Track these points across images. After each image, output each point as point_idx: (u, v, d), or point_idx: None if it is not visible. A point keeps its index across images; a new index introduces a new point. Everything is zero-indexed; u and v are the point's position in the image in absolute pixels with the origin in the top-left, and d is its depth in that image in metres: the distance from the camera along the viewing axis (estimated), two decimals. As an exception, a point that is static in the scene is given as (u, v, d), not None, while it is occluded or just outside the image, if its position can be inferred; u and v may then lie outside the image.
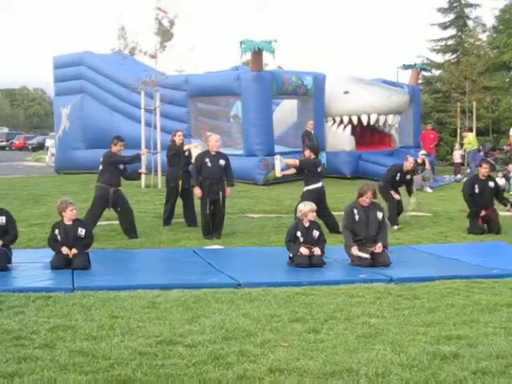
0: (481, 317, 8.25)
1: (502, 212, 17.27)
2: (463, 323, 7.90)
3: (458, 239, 15.82)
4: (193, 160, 16.07)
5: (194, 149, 16.68)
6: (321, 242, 12.30)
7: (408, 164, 17.70)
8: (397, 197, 17.13)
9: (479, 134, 38.67)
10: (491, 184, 17.01)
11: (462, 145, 32.16)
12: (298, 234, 12.22)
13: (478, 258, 13.06)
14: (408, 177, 17.70)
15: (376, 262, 11.97)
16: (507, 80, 51.55)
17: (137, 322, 7.94)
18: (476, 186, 16.80)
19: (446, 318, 8.18)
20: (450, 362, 6.24)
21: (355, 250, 12.05)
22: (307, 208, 12.48)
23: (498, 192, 17.17)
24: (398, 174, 17.53)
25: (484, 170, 17.03)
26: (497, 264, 12.19)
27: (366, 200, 12.48)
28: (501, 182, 25.45)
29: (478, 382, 5.63)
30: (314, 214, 12.62)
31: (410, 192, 17.86)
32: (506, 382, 5.63)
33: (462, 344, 6.88)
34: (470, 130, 31.79)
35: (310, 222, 12.38)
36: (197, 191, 15.34)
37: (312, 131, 25.59)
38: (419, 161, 24.92)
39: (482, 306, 8.85)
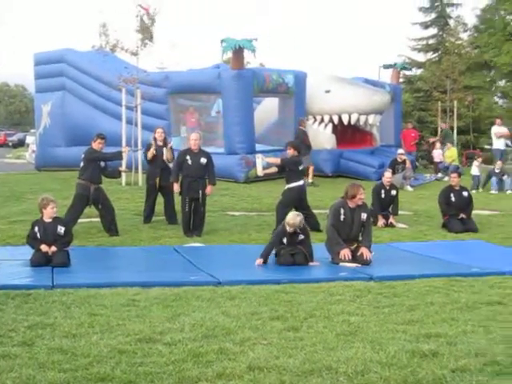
0: (460, 315, 8.29)
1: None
2: (442, 321, 7.93)
3: (437, 237, 15.89)
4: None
5: (165, 150, 16.62)
6: (306, 243, 12.26)
7: (385, 179, 17.84)
8: (380, 224, 17.16)
9: (460, 132, 38.78)
10: (465, 193, 17.50)
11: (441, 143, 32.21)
12: (284, 239, 12.19)
13: (458, 256, 13.13)
14: (393, 192, 17.71)
15: (356, 260, 12.02)
16: (488, 79, 51.77)
17: (116, 319, 7.92)
18: (452, 195, 17.15)
19: (425, 316, 8.21)
20: (429, 359, 6.26)
21: (345, 256, 12.07)
22: (293, 220, 12.31)
23: (471, 202, 17.44)
24: (382, 191, 17.61)
25: (454, 180, 17.50)
26: (476, 262, 12.26)
27: (357, 201, 12.48)
28: (476, 170, 25.66)
29: (456, 379, 5.65)
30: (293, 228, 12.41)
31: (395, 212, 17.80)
32: (485, 379, 5.66)
33: (442, 342, 6.90)
34: (451, 142, 31.88)
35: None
36: (175, 188, 15.35)
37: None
38: (399, 160, 25.09)
39: (462, 305, 8.89)
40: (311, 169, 25.31)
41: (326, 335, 7.31)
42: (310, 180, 24.69)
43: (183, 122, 28.54)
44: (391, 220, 17.36)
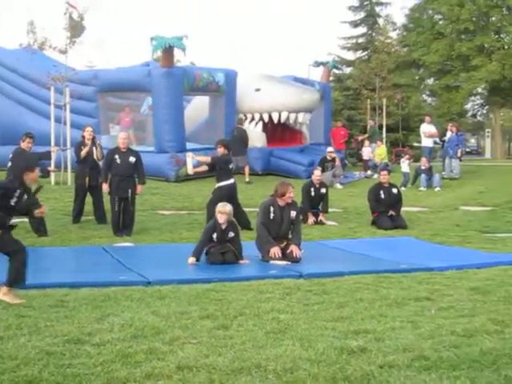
0: (389, 311, 8.36)
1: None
2: (371, 318, 7.99)
3: (367, 234, 16.05)
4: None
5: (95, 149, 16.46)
6: (236, 241, 12.28)
7: (315, 177, 17.97)
8: (310, 221, 17.26)
9: (389, 130, 39.22)
10: (395, 190, 17.78)
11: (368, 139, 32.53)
12: (214, 235, 12.19)
13: (387, 252, 13.27)
14: (323, 190, 17.84)
15: (286, 258, 12.06)
16: (417, 77, 52.53)
17: (44, 321, 7.79)
18: (381, 192, 17.37)
19: (354, 312, 8.26)
20: (357, 356, 6.30)
21: (275, 254, 12.11)
22: (222, 207, 12.42)
23: (401, 200, 17.67)
24: (312, 189, 17.73)
25: (384, 178, 17.80)
26: (405, 259, 12.41)
27: (286, 199, 12.52)
28: (406, 167, 25.98)
29: (384, 375, 5.69)
30: (225, 217, 12.45)
31: (324, 209, 17.92)
32: (412, 375, 5.71)
33: (370, 338, 6.95)
34: (381, 140, 32.20)
35: (228, 223, 12.33)
36: (104, 187, 15.25)
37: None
38: (329, 158, 25.28)
39: (390, 301, 8.96)
40: (247, 168, 25.40)
41: (256, 333, 7.30)
42: (246, 179, 24.79)
43: (117, 121, 28.33)
44: (321, 217, 17.49)
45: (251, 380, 5.76)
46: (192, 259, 11.89)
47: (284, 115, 27.96)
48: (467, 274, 11.20)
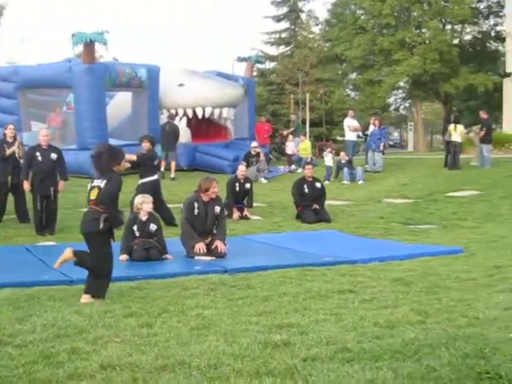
0: (312, 304, 8.41)
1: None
2: (295, 311, 8.02)
3: (291, 228, 16.15)
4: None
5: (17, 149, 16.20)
6: (159, 236, 12.24)
7: (239, 172, 18.01)
8: (235, 216, 17.28)
9: (313, 125, 39.47)
10: (318, 185, 17.97)
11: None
12: (135, 227, 12.14)
13: (311, 246, 13.37)
14: (247, 185, 17.86)
15: (211, 253, 12.06)
16: (340, 72, 52.98)
17: (-36, 323, 7.64)
18: (305, 187, 17.50)
19: (278, 306, 8.28)
20: (281, 350, 6.31)
21: (200, 250, 12.08)
22: (140, 200, 12.45)
23: (324, 193, 17.83)
24: (237, 184, 17.74)
25: (308, 172, 17.78)
26: (329, 252, 12.53)
27: (210, 195, 12.50)
28: (329, 161, 26.17)
29: (307, 368, 5.71)
30: (150, 205, 12.52)
31: (249, 204, 17.98)
32: (335, 367, 5.73)
33: (294, 332, 6.97)
34: (304, 134, 32.38)
35: (148, 215, 12.31)
36: (25, 185, 15.02)
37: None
38: (253, 153, 25.32)
39: (314, 294, 9.03)
40: (174, 163, 25.34)
41: (180, 330, 7.27)
42: (172, 175, 24.72)
43: (48, 121, 27.91)
44: (246, 212, 17.53)
45: (175, 377, 5.72)
46: (123, 256, 11.82)
47: (208, 110, 27.96)
48: (390, 265, 11.36)
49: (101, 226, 8.88)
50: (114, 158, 9.09)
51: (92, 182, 9.10)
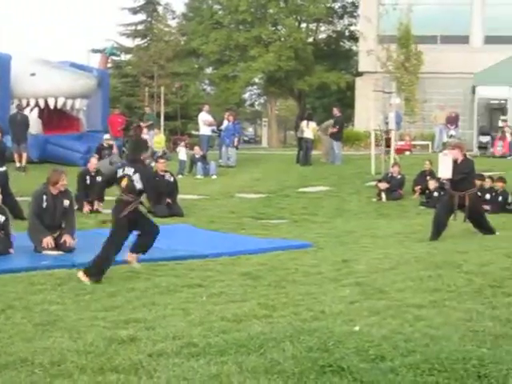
0: (160, 299, 8.39)
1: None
2: (143, 306, 7.99)
3: (144, 223, 15.99)
4: None
5: None
6: (6, 228, 11.91)
7: (91, 165, 17.80)
8: (86, 210, 17.03)
9: (168, 118, 39.32)
10: (170, 179, 18.19)
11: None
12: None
13: (163, 240, 13.18)
14: (98, 178, 17.57)
15: (59, 247, 11.84)
16: (196, 66, 52.99)
17: None
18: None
19: (126, 301, 8.23)
20: (126, 345, 6.25)
21: (48, 244, 11.81)
22: None
23: (177, 188, 17.94)
24: (88, 177, 17.49)
25: (160, 165, 17.87)
26: (181, 246, 12.54)
27: (59, 187, 12.22)
28: (183, 155, 26.20)
29: (152, 364, 5.68)
30: None
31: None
32: (181, 362, 5.73)
33: (140, 327, 6.92)
34: (159, 128, 32.21)
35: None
36: None
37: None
38: (106, 145, 25.05)
39: (163, 289, 9.01)
40: (25, 155, 24.81)
41: (25, 326, 7.12)
42: (22, 164, 24.22)
43: None
44: (97, 206, 17.27)
45: (17, 375, 5.58)
46: None
47: (61, 101, 27.49)
48: (240, 259, 11.46)
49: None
50: None
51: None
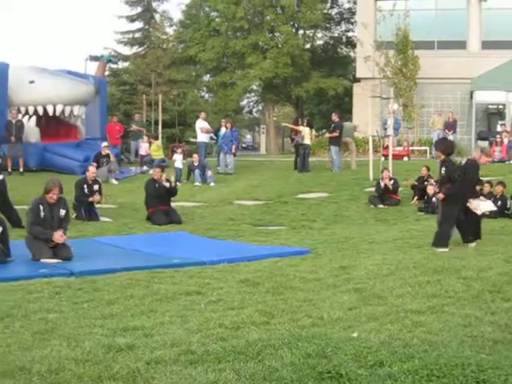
0: (159, 306, 8.36)
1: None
2: (141, 313, 7.96)
3: (142, 230, 16.04)
4: None
5: None
6: (3, 237, 11.89)
7: (90, 173, 17.80)
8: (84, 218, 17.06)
9: (165, 126, 39.28)
10: (167, 184, 17.79)
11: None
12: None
13: (161, 248, 13.32)
14: (96, 187, 17.60)
15: (57, 255, 11.81)
16: (194, 74, 53.00)
17: None
18: (156, 187, 17.47)
19: (124, 309, 8.20)
20: (124, 353, 6.23)
21: (60, 237, 11.87)
22: None
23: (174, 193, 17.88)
24: (85, 186, 17.48)
25: (156, 174, 18.00)
26: (179, 253, 12.52)
27: (52, 197, 12.20)
28: (179, 163, 26.19)
29: (150, 371, 5.66)
30: None
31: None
32: (179, 369, 5.71)
33: (138, 335, 6.91)
34: (156, 137, 32.14)
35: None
36: None
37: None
38: (103, 153, 25.07)
39: (161, 296, 8.98)
40: (21, 161, 24.96)
41: (23, 334, 7.09)
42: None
43: None
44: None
45: (14, 384, 5.57)
46: None
47: (59, 108, 27.54)
48: (238, 266, 11.43)
49: None
50: None
51: None
